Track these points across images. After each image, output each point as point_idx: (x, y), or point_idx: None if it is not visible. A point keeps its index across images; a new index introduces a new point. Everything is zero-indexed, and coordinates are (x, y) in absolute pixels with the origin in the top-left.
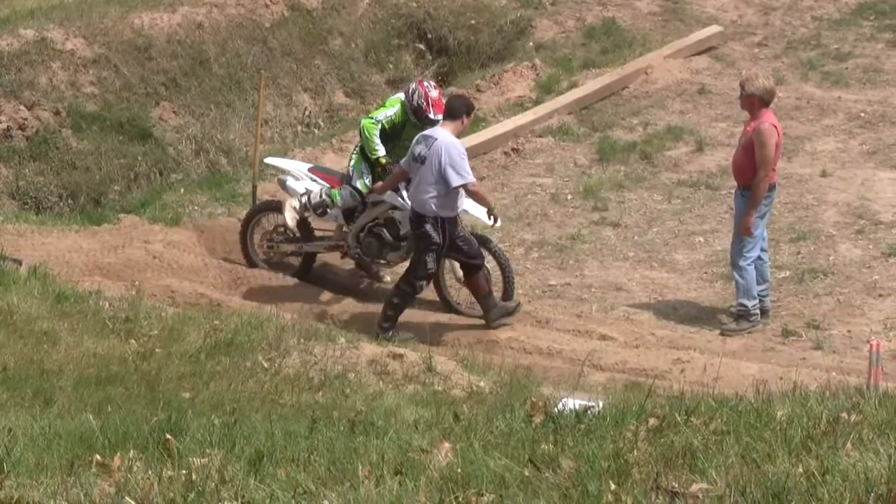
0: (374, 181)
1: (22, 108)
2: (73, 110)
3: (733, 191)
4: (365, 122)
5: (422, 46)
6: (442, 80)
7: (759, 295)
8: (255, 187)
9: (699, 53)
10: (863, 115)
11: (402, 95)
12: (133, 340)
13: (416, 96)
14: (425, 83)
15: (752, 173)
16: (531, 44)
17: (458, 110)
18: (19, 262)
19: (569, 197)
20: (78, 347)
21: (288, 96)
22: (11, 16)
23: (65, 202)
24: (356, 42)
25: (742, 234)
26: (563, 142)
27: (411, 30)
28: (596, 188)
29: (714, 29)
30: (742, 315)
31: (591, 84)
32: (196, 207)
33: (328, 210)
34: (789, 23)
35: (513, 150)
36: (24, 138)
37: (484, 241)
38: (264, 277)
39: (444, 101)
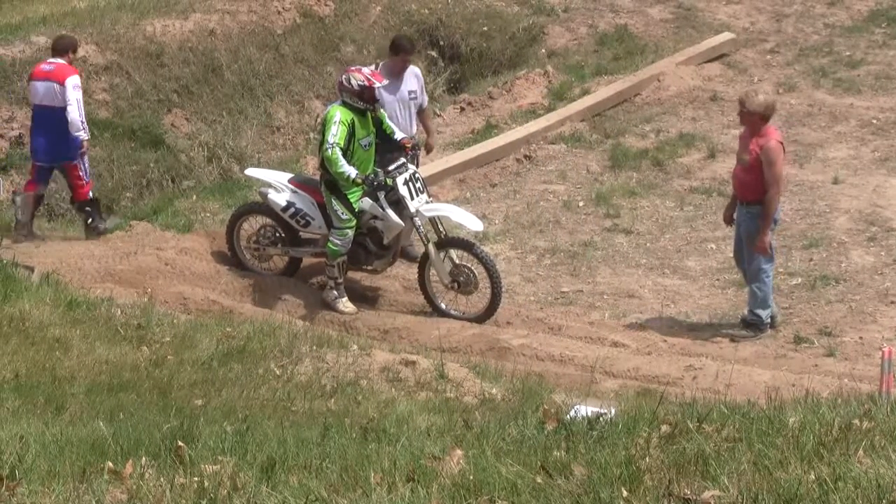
0: (356, 200)
1: None
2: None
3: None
4: (325, 154)
5: (434, 53)
6: (454, 87)
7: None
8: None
9: (711, 60)
10: (875, 121)
11: (336, 102)
12: (145, 347)
13: (354, 82)
14: (350, 68)
15: (757, 189)
16: (543, 51)
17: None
18: (31, 269)
19: (581, 204)
20: (90, 354)
21: (300, 103)
22: (23, 23)
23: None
24: (368, 49)
25: (759, 253)
26: (575, 149)
27: (423, 36)
28: (608, 195)
29: (726, 36)
30: (754, 324)
31: (603, 91)
32: (208, 214)
33: (311, 221)
34: (801, 30)
35: (525, 157)
36: None
37: (468, 246)
38: (276, 284)
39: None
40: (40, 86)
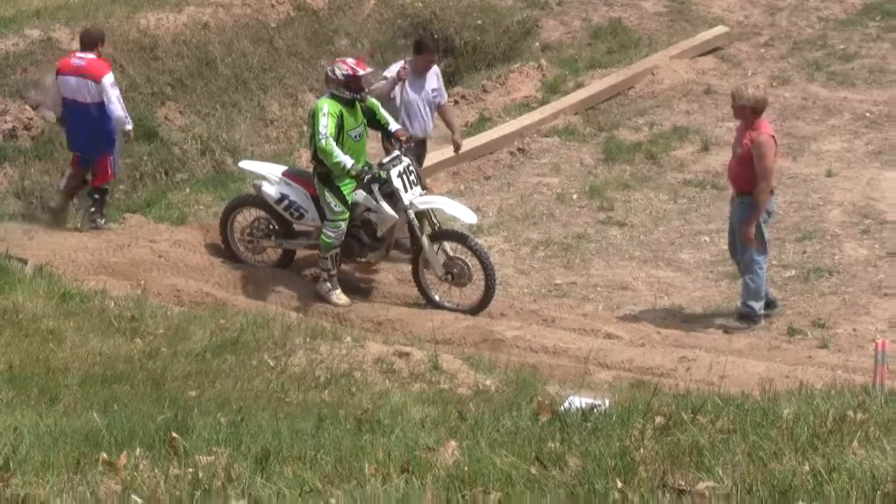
0: (349, 192)
1: (27, 108)
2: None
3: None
4: (318, 146)
5: None
6: (448, 81)
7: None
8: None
9: (705, 54)
10: (868, 115)
11: (324, 96)
12: (139, 339)
13: (339, 72)
14: (336, 59)
15: (750, 181)
16: (537, 44)
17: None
18: (25, 261)
19: (575, 197)
20: (84, 346)
21: (294, 96)
22: (17, 16)
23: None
24: (362, 42)
25: (745, 243)
26: (568, 142)
27: (417, 30)
28: (602, 188)
29: (720, 29)
30: (748, 315)
31: (596, 84)
32: (202, 207)
33: (305, 213)
34: (795, 23)
35: (519, 150)
36: (29, 138)
37: (462, 238)
38: (270, 276)
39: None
40: (72, 80)
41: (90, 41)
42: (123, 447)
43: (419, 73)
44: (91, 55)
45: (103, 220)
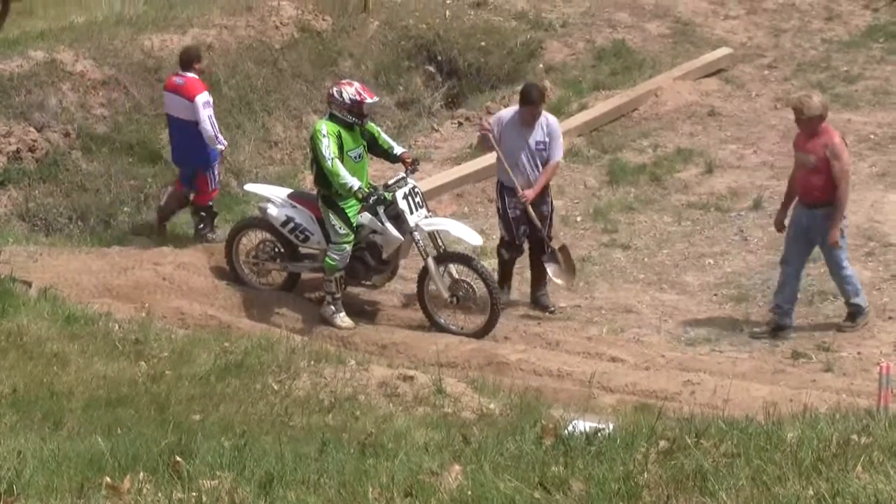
0: (353, 215)
1: (31, 129)
2: (83, 132)
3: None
4: (325, 167)
5: (431, 68)
6: (452, 102)
7: (786, 309)
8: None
9: (709, 75)
10: (872, 137)
11: (323, 118)
12: (143, 362)
13: (345, 95)
14: (341, 81)
15: (827, 190)
16: (541, 66)
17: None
18: (29, 284)
19: (579, 219)
20: (88, 369)
21: (298, 118)
22: (21, 37)
23: (74, 224)
24: (366, 64)
25: (831, 245)
26: (572, 164)
27: (421, 51)
28: (606, 210)
29: (724, 51)
30: (857, 312)
31: (600, 106)
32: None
33: (310, 235)
34: (799, 45)
35: None
36: (33, 160)
37: (467, 260)
38: (274, 299)
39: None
40: (173, 98)
41: (187, 60)
42: (127, 471)
43: (526, 124)
44: (190, 74)
45: (213, 235)
